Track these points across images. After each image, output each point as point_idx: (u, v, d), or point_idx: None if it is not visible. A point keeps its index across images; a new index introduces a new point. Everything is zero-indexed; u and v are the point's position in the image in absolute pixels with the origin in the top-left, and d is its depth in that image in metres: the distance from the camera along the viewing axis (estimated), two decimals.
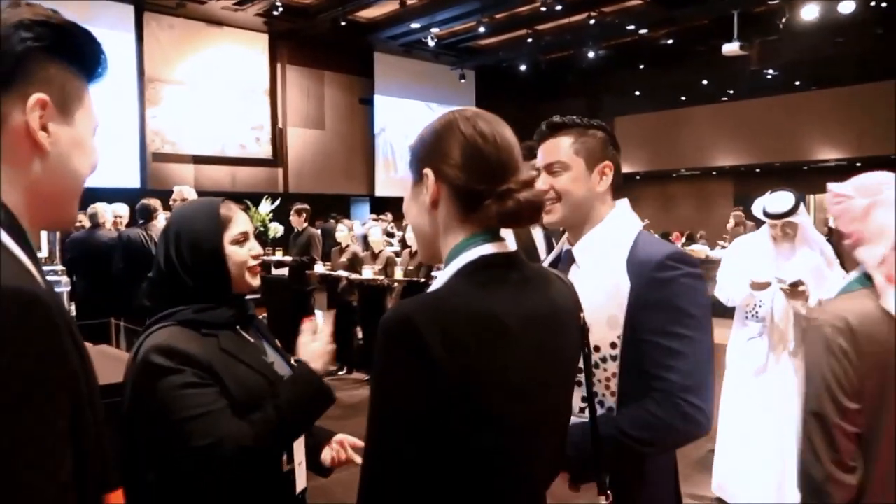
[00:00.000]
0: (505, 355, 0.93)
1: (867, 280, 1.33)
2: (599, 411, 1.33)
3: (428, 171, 1.02)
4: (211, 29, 12.73)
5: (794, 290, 3.10)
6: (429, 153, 1.04)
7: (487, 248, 0.99)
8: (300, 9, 12.42)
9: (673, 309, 1.30)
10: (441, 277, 1.00)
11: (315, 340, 1.55)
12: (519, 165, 1.02)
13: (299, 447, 1.53)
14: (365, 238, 7.53)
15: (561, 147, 1.45)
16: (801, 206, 3.29)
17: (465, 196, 1.00)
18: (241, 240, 1.53)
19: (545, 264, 1.49)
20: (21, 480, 0.67)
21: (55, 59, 0.81)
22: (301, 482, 1.52)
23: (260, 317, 1.67)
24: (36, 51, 0.79)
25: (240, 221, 1.56)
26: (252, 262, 1.54)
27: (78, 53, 0.84)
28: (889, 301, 1.26)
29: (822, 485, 1.27)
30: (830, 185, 1.46)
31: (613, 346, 1.35)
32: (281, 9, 11.48)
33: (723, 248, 8.55)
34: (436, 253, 1.06)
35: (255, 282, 1.58)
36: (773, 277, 3.23)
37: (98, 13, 10.73)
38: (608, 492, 1.20)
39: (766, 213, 3.33)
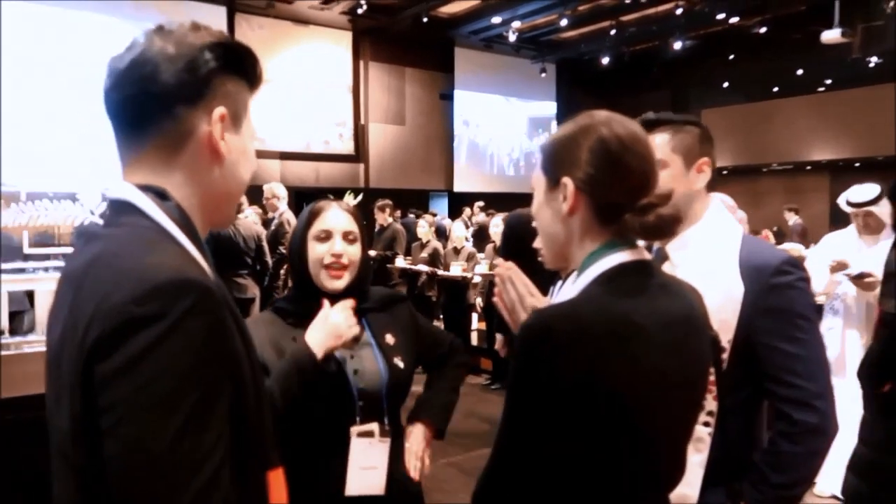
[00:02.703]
0: (643, 364, 0.93)
1: None
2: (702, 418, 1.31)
3: (567, 180, 1.00)
4: (298, 28, 13.09)
5: (861, 281, 3.13)
6: (567, 160, 1.01)
7: (624, 256, 0.98)
8: (383, 6, 12.60)
9: (794, 314, 1.30)
10: (578, 284, 1.00)
11: (331, 318, 1.44)
12: (657, 176, 1.00)
13: (366, 452, 1.46)
14: (441, 231, 7.60)
15: (658, 145, 1.42)
16: (885, 198, 3.27)
17: (604, 207, 0.99)
18: (322, 236, 1.52)
19: None
20: (178, 454, 0.72)
21: (231, 75, 0.91)
22: (358, 487, 1.45)
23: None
24: (217, 70, 0.89)
25: (327, 218, 1.54)
26: (328, 260, 1.50)
27: (246, 69, 0.94)
28: None
29: None
30: None
31: (722, 349, 1.33)
32: (365, 6, 11.67)
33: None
34: (566, 258, 1.05)
35: (333, 284, 1.50)
36: (852, 266, 3.25)
37: (191, 14, 10.98)
38: None
39: (847, 203, 3.40)
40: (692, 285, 1.11)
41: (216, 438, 0.75)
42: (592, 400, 0.89)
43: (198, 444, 0.73)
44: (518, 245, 3.68)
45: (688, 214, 1.42)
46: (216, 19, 11.85)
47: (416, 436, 1.59)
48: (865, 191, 3.36)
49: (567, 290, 1.01)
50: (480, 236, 7.55)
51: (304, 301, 1.52)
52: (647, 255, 1.02)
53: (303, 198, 10.19)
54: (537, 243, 2.37)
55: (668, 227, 0.97)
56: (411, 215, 10.59)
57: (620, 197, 0.97)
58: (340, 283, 1.52)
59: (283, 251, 7.44)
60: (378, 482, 1.47)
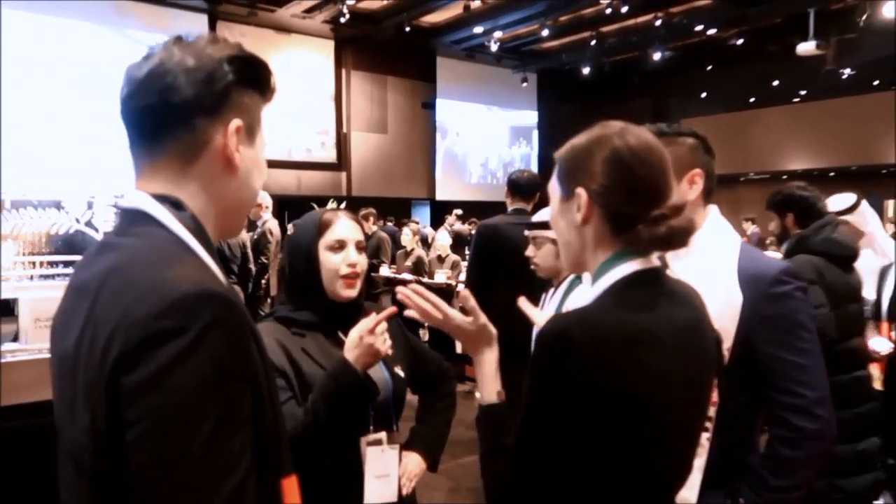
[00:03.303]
0: (656, 369, 0.95)
1: None
2: None
3: (581, 191, 1.02)
4: (280, 36, 13.07)
5: None
6: (581, 171, 1.04)
7: (636, 265, 1.00)
8: (366, 15, 12.62)
9: (794, 323, 1.33)
10: (593, 292, 1.02)
11: (366, 338, 1.43)
12: (672, 187, 1.02)
13: (378, 459, 1.49)
14: (423, 240, 7.63)
15: None
16: (862, 206, 3.30)
17: (616, 218, 1.01)
18: (335, 247, 1.53)
19: None
20: (207, 464, 0.73)
21: (248, 88, 0.92)
22: (376, 496, 1.48)
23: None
24: (234, 83, 0.90)
25: (339, 228, 1.55)
26: (345, 271, 1.52)
27: (261, 82, 0.95)
28: None
29: None
30: None
31: (723, 355, 1.35)
32: (347, 15, 11.69)
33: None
34: (582, 265, 1.08)
35: (348, 292, 1.53)
36: None
37: (173, 22, 11.15)
38: None
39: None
40: (693, 287, 1.13)
41: (242, 446, 0.76)
42: (608, 405, 0.91)
43: (226, 452, 0.74)
44: (488, 253, 3.73)
45: None
46: (198, 26, 11.80)
47: (414, 461, 1.62)
48: (842, 199, 3.39)
49: (574, 298, 1.03)
50: (457, 244, 7.61)
51: (308, 310, 1.53)
52: (658, 263, 1.04)
53: (284, 206, 10.14)
54: (529, 252, 2.40)
55: (680, 239, 0.99)
56: (389, 224, 10.58)
57: (632, 207, 0.99)
58: (354, 292, 1.55)
59: (265, 260, 7.46)
60: (391, 490, 1.51)
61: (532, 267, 2.41)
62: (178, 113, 0.87)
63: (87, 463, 0.79)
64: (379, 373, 1.55)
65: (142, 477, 0.73)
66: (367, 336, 1.41)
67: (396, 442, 1.54)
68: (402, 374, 1.60)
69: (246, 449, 0.76)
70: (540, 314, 1.88)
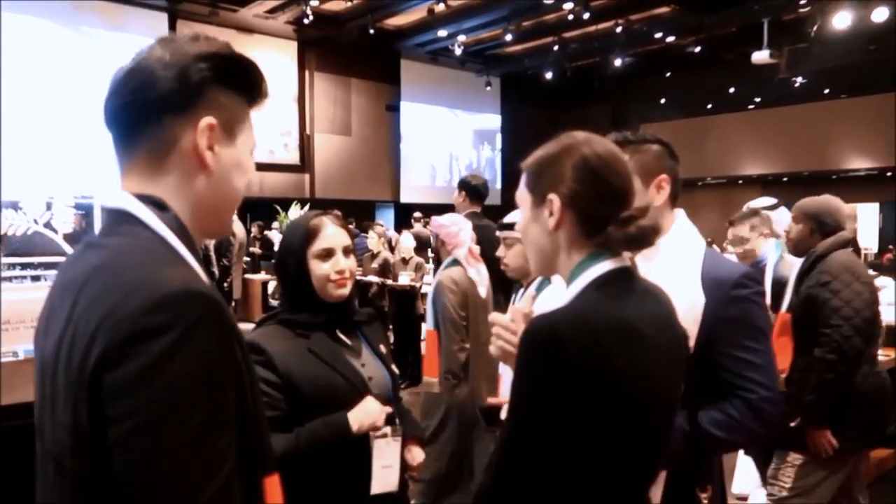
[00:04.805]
0: (644, 360, 0.99)
1: None
2: None
3: (554, 197, 1.06)
4: (242, 37, 12.90)
5: None
6: (552, 178, 1.08)
7: (611, 264, 1.05)
8: (330, 17, 12.56)
9: (749, 325, 1.39)
10: (570, 291, 1.05)
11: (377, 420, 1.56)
12: (635, 191, 1.07)
13: (383, 451, 1.58)
14: (389, 243, 7.62)
15: None
16: (781, 209, 3.71)
17: (588, 221, 1.05)
18: (323, 255, 1.59)
19: None
20: (193, 462, 0.73)
21: (225, 87, 0.90)
22: (382, 485, 1.58)
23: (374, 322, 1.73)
24: (210, 80, 0.88)
25: (326, 237, 1.60)
26: (334, 277, 1.58)
27: (244, 82, 0.93)
28: None
29: None
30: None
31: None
32: (311, 17, 11.62)
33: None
34: (553, 268, 1.12)
35: (340, 292, 1.60)
36: None
37: (132, 20, 10.94)
38: (708, 485, 1.27)
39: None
40: (660, 287, 1.18)
41: (227, 445, 0.76)
42: (600, 397, 0.94)
43: (212, 449, 0.74)
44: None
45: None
46: (158, 25, 11.60)
47: (417, 449, 1.73)
48: (762, 202, 3.73)
49: (544, 299, 1.07)
50: (420, 247, 7.62)
51: (307, 312, 1.59)
52: (629, 263, 1.08)
53: (247, 208, 10.03)
54: (500, 252, 2.45)
55: (649, 238, 1.04)
56: (351, 227, 10.54)
57: (603, 210, 1.04)
58: (346, 291, 1.62)
59: (227, 263, 7.40)
60: (394, 479, 1.61)
61: (502, 267, 2.46)
62: (148, 110, 0.86)
63: (68, 463, 0.78)
64: (378, 370, 1.64)
65: (127, 474, 0.72)
66: (371, 405, 1.54)
67: (399, 435, 1.63)
68: (396, 371, 1.71)
69: (231, 447, 0.77)
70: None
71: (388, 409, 1.58)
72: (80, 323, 0.77)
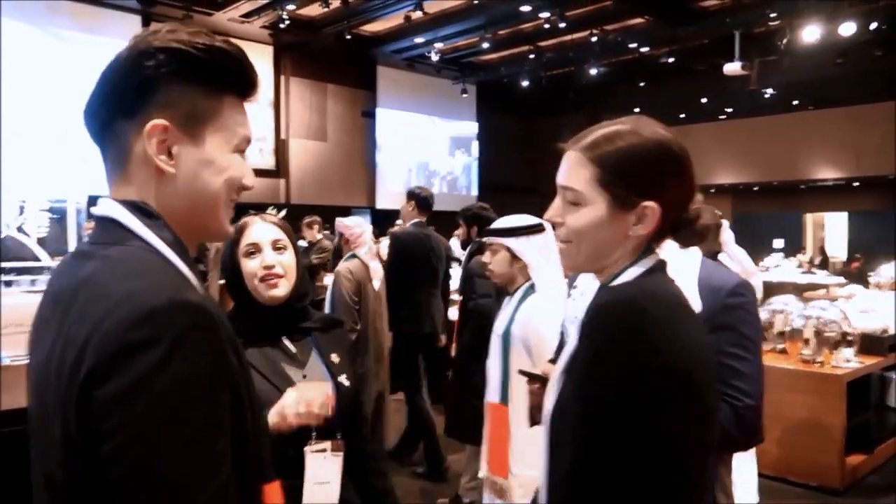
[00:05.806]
0: (700, 337, 0.97)
1: None
2: None
3: (653, 206, 0.97)
4: None
5: None
6: (648, 182, 0.98)
7: (657, 256, 1.04)
8: (306, 22, 12.52)
9: (739, 334, 1.43)
10: (623, 277, 1.02)
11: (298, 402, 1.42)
12: None
13: (319, 466, 1.49)
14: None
15: None
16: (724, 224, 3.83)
17: (675, 223, 1.01)
18: (251, 251, 1.53)
19: None
20: (185, 476, 0.72)
21: (181, 82, 0.83)
22: (313, 501, 1.48)
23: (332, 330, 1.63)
24: (158, 77, 0.81)
25: (252, 233, 1.55)
26: (261, 273, 1.51)
27: (214, 71, 0.84)
28: None
29: None
30: None
31: None
32: (287, 22, 11.57)
33: None
34: (604, 268, 1.04)
35: (271, 293, 1.52)
36: None
37: (106, 22, 10.77)
38: None
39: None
40: None
41: (221, 456, 0.75)
42: (677, 375, 0.89)
43: (205, 460, 0.73)
44: (405, 261, 4.24)
45: None
46: (132, 28, 11.46)
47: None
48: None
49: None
50: None
51: (246, 317, 1.53)
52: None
53: None
54: (485, 258, 2.46)
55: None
56: (326, 232, 10.46)
57: (686, 210, 1.01)
58: (279, 291, 1.52)
59: (203, 268, 7.29)
60: (333, 498, 1.50)
61: (487, 272, 2.47)
62: (102, 116, 0.84)
63: (59, 477, 0.77)
64: (322, 381, 1.54)
65: (122, 488, 0.71)
66: (287, 397, 1.41)
67: (340, 450, 1.52)
68: (346, 383, 1.57)
69: (225, 456, 0.76)
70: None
71: (323, 393, 1.44)
72: (69, 337, 0.75)
